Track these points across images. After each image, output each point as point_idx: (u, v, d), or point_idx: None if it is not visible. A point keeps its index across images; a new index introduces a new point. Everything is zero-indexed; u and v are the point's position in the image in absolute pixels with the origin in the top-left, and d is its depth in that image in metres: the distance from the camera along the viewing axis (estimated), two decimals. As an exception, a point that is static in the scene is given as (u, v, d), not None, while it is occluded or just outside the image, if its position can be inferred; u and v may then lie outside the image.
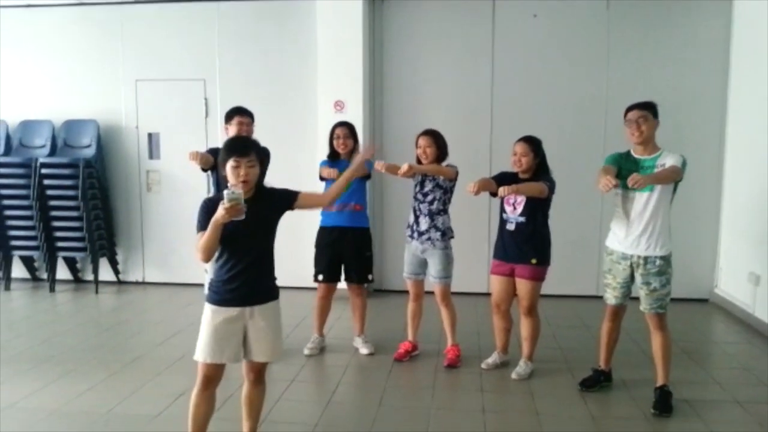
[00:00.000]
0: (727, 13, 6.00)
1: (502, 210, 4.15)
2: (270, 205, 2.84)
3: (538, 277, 4.08)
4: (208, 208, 2.70)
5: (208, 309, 2.80)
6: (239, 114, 4.44)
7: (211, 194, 4.61)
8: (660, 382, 3.73)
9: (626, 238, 3.66)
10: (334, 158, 4.57)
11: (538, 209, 4.03)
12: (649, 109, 3.64)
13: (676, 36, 6.08)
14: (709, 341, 5.23)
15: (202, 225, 2.68)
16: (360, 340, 4.72)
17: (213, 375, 2.82)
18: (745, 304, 5.56)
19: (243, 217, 2.55)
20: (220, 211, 2.51)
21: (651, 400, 3.70)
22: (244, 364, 2.92)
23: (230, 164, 2.70)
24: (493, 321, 4.37)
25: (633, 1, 6.09)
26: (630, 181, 3.34)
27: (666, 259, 3.63)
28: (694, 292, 6.20)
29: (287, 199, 2.88)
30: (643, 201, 3.58)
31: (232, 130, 4.40)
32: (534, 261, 4.03)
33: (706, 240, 6.21)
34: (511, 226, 4.08)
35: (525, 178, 4.03)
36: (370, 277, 4.68)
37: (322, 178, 4.45)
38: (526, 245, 4.04)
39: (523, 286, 4.08)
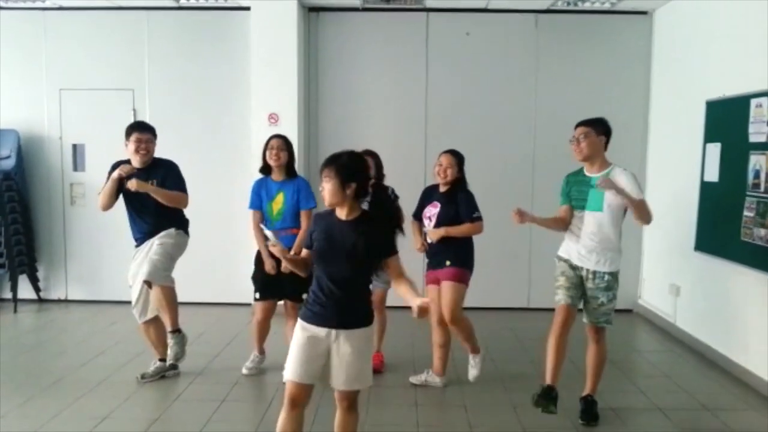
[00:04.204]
0: (648, 27, 6.28)
1: (422, 224, 4.31)
2: (368, 235, 2.69)
3: (454, 278, 4.11)
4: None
5: (298, 324, 2.78)
6: (137, 130, 4.26)
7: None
8: (587, 391, 3.84)
9: (578, 252, 3.71)
10: (266, 172, 4.48)
11: (453, 221, 4.13)
12: (592, 125, 3.69)
13: (600, 51, 6.33)
14: (633, 350, 5.42)
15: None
16: None
17: (297, 395, 2.68)
18: (666, 314, 5.80)
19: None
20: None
21: (578, 410, 3.80)
22: (336, 391, 2.78)
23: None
24: (432, 336, 4.38)
25: (560, 19, 6.31)
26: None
27: (614, 275, 3.71)
28: (619, 302, 6.17)
29: (382, 247, 2.74)
30: (595, 221, 3.62)
31: (131, 148, 4.23)
32: (448, 263, 4.13)
33: (631, 253, 6.39)
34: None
35: (445, 190, 4.18)
36: (304, 296, 4.56)
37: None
38: (441, 250, 4.15)
39: (442, 287, 4.14)
